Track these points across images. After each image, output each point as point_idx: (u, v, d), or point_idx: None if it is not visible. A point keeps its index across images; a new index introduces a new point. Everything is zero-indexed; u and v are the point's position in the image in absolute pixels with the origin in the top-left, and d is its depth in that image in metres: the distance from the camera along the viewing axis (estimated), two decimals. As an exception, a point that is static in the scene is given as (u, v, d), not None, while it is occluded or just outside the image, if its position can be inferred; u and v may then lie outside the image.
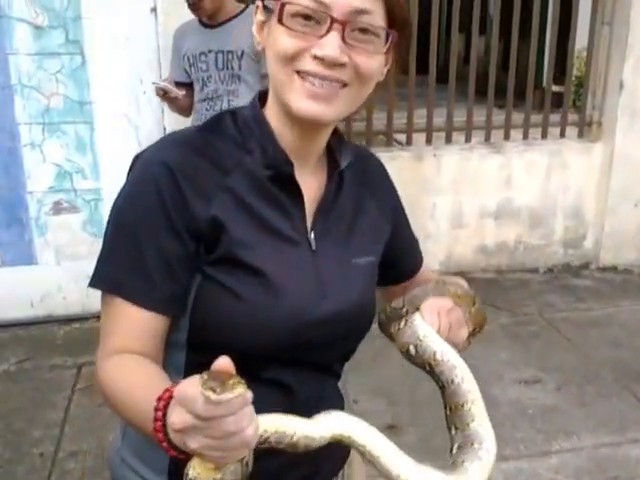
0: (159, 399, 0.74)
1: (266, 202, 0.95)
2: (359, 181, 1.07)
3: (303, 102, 0.88)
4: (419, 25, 3.83)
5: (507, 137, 4.43)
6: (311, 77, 0.87)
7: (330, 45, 0.85)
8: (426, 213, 4.26)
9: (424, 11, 4.03)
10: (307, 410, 0.86)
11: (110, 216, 0.93)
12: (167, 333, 0.93)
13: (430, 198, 4.25)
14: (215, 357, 0.81)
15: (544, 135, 4.48)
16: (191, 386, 0.67)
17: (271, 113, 0.96)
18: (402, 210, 1.18)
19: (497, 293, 4.16)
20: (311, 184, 1.00)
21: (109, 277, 0.92)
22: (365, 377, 3.21)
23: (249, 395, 0.69)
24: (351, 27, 0.86)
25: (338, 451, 1.06)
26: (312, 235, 0.98)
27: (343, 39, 0.85)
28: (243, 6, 3.08)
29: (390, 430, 2.82)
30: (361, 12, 0.85)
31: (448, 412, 0.94)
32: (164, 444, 0.74)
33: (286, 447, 0.81)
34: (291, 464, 0.98)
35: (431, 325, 0.94)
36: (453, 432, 0.93)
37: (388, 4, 0.88)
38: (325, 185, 1.01)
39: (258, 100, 0.99)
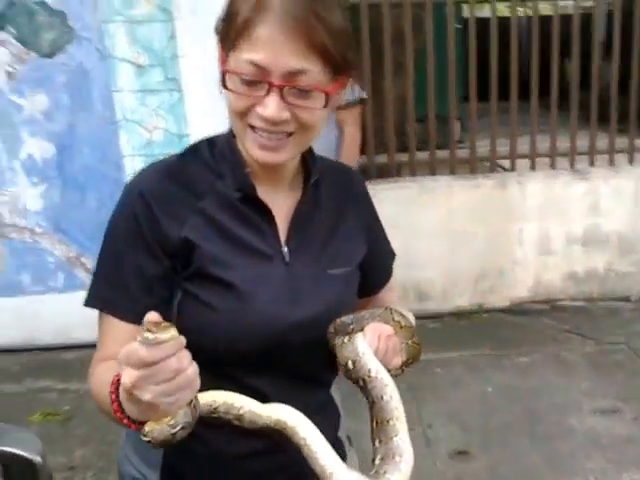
0: (111, 383, 0.86)
1: (238, 221, 1.04)
2: (338, 195, 1.15)
3: (256, 151, 0.99)
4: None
5: (592, 163, 4.38)
6: (260, 131, 0.97)
7: (270, 106, 0.94)
8: (513, 240, 4.26)
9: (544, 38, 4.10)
10: None
11: (102, 241, 1.07)
12: None
13: (516, 225, 4.23)
14: (200, 361, 0.91)
15: (631, 161, 4.40)
16: (129, 345, 0.78)
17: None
18: (379, 226, 1.24)
19: (585, 321, 4.09)
20: (284, 202, 1.09)
21: (98, 295, 1.05)
22: (441, 402, 3.28)
23: (182, 339, 0.79)
24: (289, 88, 0.94)
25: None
26: (285, 249, 1.07)
27: (283, 99, 0.94)
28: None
29: (460, 456, 2.87)
30: (297, 73, 0.93)
31: (374, 426, 1.01)
32: (124, 421, 0.85)
33: (233, 419, 0.92)
34: (279, 466, 1.07)
35: (370, 346, 1.01)
36: (377, 444, 0.99)
37: (324, 58, 0.94)
38: (299, 200, 1.10)
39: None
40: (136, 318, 0.97)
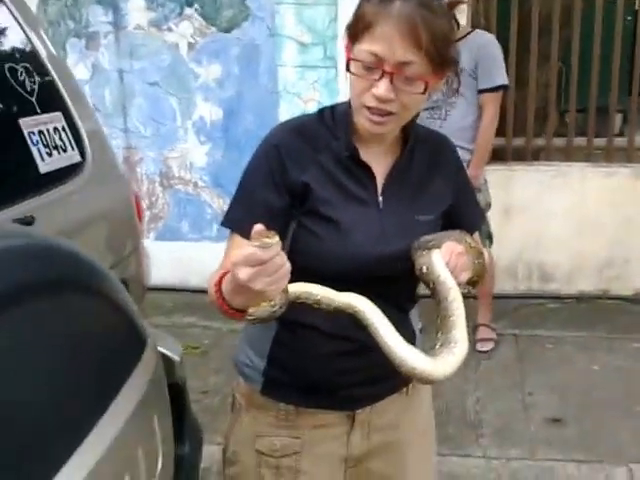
0: (215, 284, 1.13)
1: (346, 174, 1.30)
2: (429, 158, 1.38)
3: (366, 123, 1.24)
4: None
5: None
6: (371, 110, 1.22)
7: (381, 87, 1.18)
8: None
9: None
10: None
11: (241, 176, 1.33)
12: None
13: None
14: (306, 279, 1.19)
15: None
16: (244, 250, 0.99)
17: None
18: (468, 189, 1.48)
19: None
20: (385, 161, 1.33)
21: (232, 218, 1.32)
22: (546, 374, 3.47)
23: (280, 241, 1.00)
24: (397, 75, 1.18)
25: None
26: (381, 198, 1.32)
27: (392, 83, 1.18)
28: (470, 29, 3.51)
29: (553, 423, 3.07)
30: (405, 63, 1.17)
31: (439, 321, 1.18)
32: (229, 311, 1.11)
33: (313, 303, 1.17)
34: (363, 366, 1.32)
35: (443, 258, 1.20)
36: (439, 335, 1.17)
37: (427, 55, 1.17)
38: (396, 160, 1.34)
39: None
40: None
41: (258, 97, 4.25)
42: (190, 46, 4.27)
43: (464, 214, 1.44)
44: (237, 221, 1.30)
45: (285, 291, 1.11)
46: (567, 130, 4.46)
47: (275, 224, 1.23)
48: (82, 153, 2.08)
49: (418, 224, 1.33)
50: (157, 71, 4.34)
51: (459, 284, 1.21)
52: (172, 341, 2.14)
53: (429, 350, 1.16)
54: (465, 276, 1.23)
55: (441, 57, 1.20)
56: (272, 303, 1.10)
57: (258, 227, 0.99)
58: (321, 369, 1.35)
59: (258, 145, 1.33)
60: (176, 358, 2.01)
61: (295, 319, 1.27)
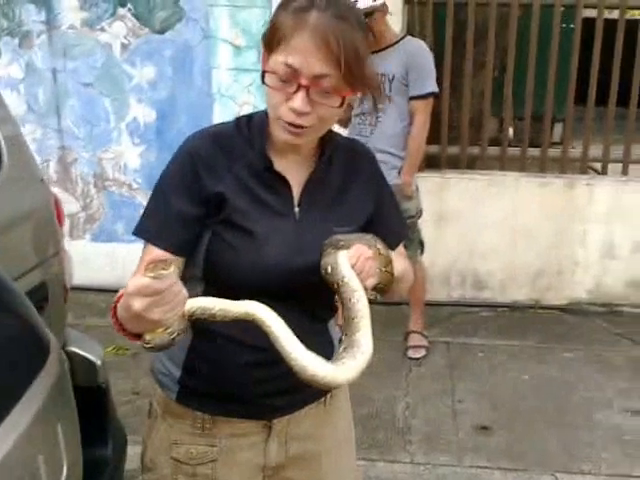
0: (111, 309, 1.09)
1: (262, 185, 1.28)
2: (348, 167, 1.36)
3: (282, 135, 1.23)
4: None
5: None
6: (287, 123, 1.21)
7: (297, 101, 1.17)
8: (576, 240, 4.35)
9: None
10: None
11: (155, 184, 1.31)
12: (184, 270, 1.27)
13: (581, 226, 4.32)
14: (221, 289, 1.19)
15: None
16: (138, 280, 0.98)
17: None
18: (390, 199, 1.45)
19: (640, 328, 4.14)
20: (301, 172, 1.31)
21: (145, 229, 1.29)
22: (476, 382, 3.48)
23: (177, 269, 1.03)
24: (313, 88, 1.16)
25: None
26: (297, 209, 1.30)
27: (308, 96, 1.17)
28: (401, 36, 3.51)
29: (482, 430, 3.09)
30: (321, 77, 1.16)
31: (343, 322, 1.18)
32: (125, 335, 1.09)
33: (209, 317, 1.13)
34: (279, 375, 1.23)
35: (349, 260, 1.20)
36: (343, 337, 1.17)
37: (343, 69, 1.15)
38: (313, 170, 1.32)
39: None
40: (173, 248, 1.25)
41: (192, 99, 4.21)
42: (123, 47, 4.21)
43: (387, 224, 1.42)
44: (151, 232, 1.29)
45: (183, 315, 1.10)
46: (503, 139, 4.49)
47: (188, 233, 1.27)
48: (-2, 154, 2.12)
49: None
50: (91, 71, 4.28)
51: (365, 289, 1.19)
52: (94, 344, 2.12)
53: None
54: (371, 282, 1.22)
55: (356, 72, 1.18)
56: (170, 330, 1.09)
57: (154, 257, 1.03)
58: (238, 379, 1.34)
59: (175, 151, 1.31)
60: (97, 361, 2.03)
61: (211, 328, 1.25)
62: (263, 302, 1.18)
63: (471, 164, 4.51)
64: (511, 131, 5.41)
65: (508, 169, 4.41)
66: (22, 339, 1.17)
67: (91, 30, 4.22)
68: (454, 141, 4.39)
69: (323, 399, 1.44)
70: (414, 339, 3.79)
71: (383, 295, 1.32)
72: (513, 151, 4.49)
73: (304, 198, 1.32)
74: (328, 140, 1.34)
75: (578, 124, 4.50)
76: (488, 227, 4.30)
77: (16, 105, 4.31)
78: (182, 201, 1.26)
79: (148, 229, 1.29)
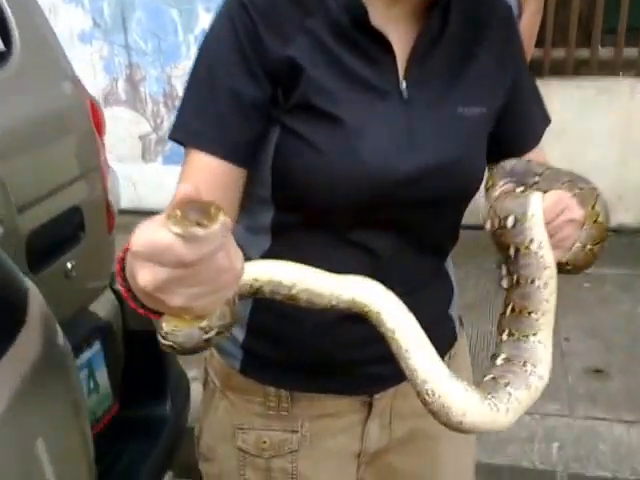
0: (117, 260, 0.68)
1: (350, 49, 0.89)
2: (471, 24, 0.97)
3: None
4: None
5: None
6: None
7: None
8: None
9: None
10: (402, 284, 0.83)
11: (193, 62, 0.92)
12: (245, 187, 0.90)
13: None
14: (301, 217, 0.85)
15: None
16: (156, 232, 0.54)
17: None
18: (529, 76, 1.06)
19: None
20: (406, 31, 0.92)
21: (184, 127, 0.90)
22: (584, 317, 3.16)
23: (229, 220, 0.55)
24: None
25: (445, 335, 1.08)
26: (404, 84, 0.91)
27: None
28: None
29: (595, 374, 2.78)
30: None
31: (508, 313, 0.80)
32: (135, 306, 0.68)
33: (284, 299, 0.72)
34: (375, 337, 0.85)
35: (546, 216, 0.80)
36: (505, 338, 0.78)
37: None
38: (423, 28, 0.92)
39: None
40: (227, 154, 0.87)
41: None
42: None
43: (528, 111, 1.03)
44: (191, 131, 0.90)
45: (233, 302, 0.68)
46: (616, 39, 3.96)
47: (249, 128, 0.88)
48: (6, 41, 1.65)
49: (462, 122, 0.94)
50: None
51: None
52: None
53: (482, 364, 0.77)
54: (560, 256, 0.84)
55: None
56: (205, 324, 0.64)
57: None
58: (325, 341, 0.98)
59: (217, 11, 0.91)
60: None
61: None
62: (359, 225, 0.88)
63: (578, 69, 4.02)
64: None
65: (622, 74, 3.91)
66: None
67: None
68: (560, 44, 3.91)
69: None
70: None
71: (565, 272, 0.88)
72: (629, 52, 3.95)
73: (413, 68, 0.92)
74: None
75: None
76: (595, 141, 3.86)
77: (81, 21, 4.16)
78: (237, 78, 0.87)
79: (187, 127, 0.90)
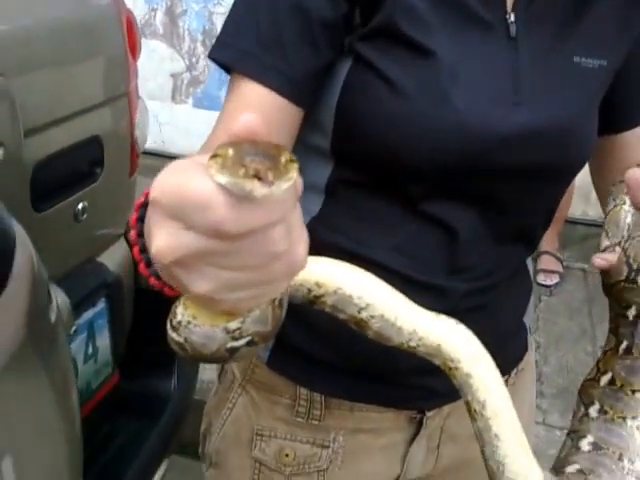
0: (135, 208, 0.51)
1: None
2: None
3: None
4: None
5: None
6: None
7: None
8: None
9: None
10: (480, 277, 0.74)
11: None
12: (298, 130, 0.73)
13: None
14: (365, 177, 0.69)
15: None
16: (191, 178, 0.36)
17: None
18: None
19: None
20: None
21: (231, 45, 0.72)
22: None
23: (300, 181, 0.38)
24: None
25: (517, 348, 0.92)
26: (512, 17, 0.73)
27: None
28: None
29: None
30: None
31: (604, 384, 0.63)
32: (149, 277, 0.50)
33: (348, 321, 0.54)
34: None
35: None
36: (593, 414, 0.62)
37: None
38: None
39: None
40: (284, 87, 0.69)
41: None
42: None
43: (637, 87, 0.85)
44: (241, 52, 0.70)
45: (278, 303, 0.47)
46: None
47: (313, 57, 0.69)
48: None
49: (580, 73, 0.76)
50: None
51: None
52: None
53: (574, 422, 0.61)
54: None
55: None
56: (233, 325, 0.44)
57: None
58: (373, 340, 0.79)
59: None
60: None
61: (327, 241, 0.75)
62: (437, 194, 0.72)
63: None
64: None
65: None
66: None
67: None
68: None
69: (506, 377, 0.89)
70: (546, 262, 3.28)
71: None
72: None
73: (523, 1, 0.74)
74: None
75: None
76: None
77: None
78: None
79: (235, 46, 0.71)
